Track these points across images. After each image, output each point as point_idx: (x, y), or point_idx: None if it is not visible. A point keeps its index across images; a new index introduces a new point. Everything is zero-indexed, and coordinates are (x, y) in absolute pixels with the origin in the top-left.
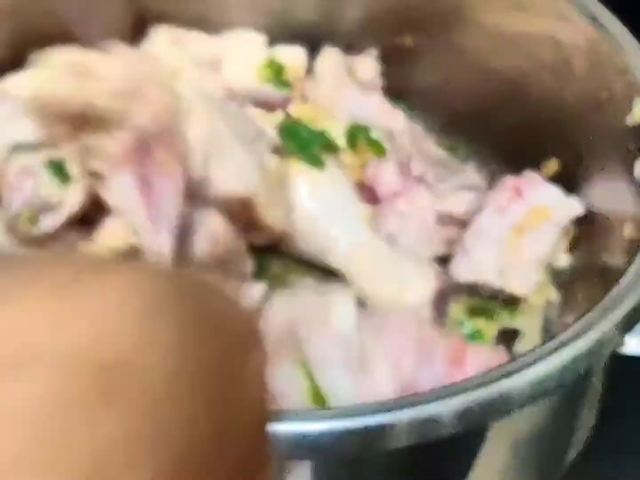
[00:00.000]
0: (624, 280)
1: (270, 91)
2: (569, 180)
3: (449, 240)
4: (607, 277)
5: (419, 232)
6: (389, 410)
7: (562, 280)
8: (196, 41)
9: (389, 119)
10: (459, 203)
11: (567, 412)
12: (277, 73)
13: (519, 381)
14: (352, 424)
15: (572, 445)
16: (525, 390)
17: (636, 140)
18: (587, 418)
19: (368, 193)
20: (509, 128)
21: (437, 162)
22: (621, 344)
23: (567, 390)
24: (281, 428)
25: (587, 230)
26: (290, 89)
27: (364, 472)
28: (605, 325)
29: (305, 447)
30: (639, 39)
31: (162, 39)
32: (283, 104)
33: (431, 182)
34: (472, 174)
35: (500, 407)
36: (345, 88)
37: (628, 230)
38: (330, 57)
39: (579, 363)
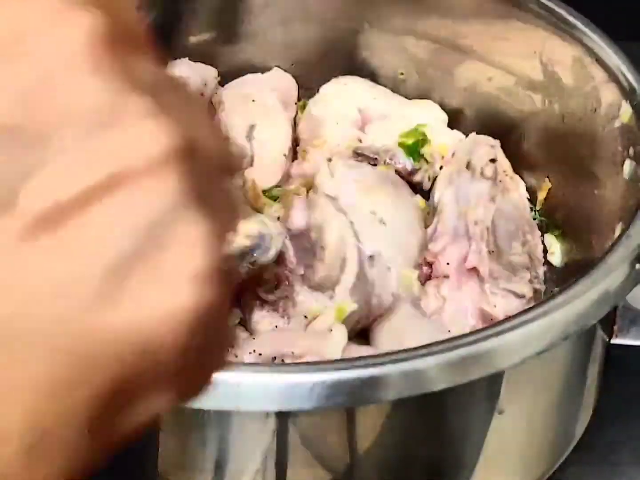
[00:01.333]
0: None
1: (400, 156)
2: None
3: None
4: None
5: (451, 321)
6: (380, 364)
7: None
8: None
9: (483, 209)
10: (502, 307)
11: (571, 376)
12: (417, 144)
13: (504, 340)
14: (345, 375)
15: (579, 414)
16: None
17: (624, 141)
18: (591, 389)
19: (426, 268)
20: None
21: (505, 262)
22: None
23: (568, 353)
24: (277, 379)
25: (578, 230)
26: (423, 162)
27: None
28: (591, 295)
29: (301, 397)
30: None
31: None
32: (408, 173)
33: (485, 277)
34: (524, 284)
35: (486, 364)
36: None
37: (618, 231)
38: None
39: (564, 326)
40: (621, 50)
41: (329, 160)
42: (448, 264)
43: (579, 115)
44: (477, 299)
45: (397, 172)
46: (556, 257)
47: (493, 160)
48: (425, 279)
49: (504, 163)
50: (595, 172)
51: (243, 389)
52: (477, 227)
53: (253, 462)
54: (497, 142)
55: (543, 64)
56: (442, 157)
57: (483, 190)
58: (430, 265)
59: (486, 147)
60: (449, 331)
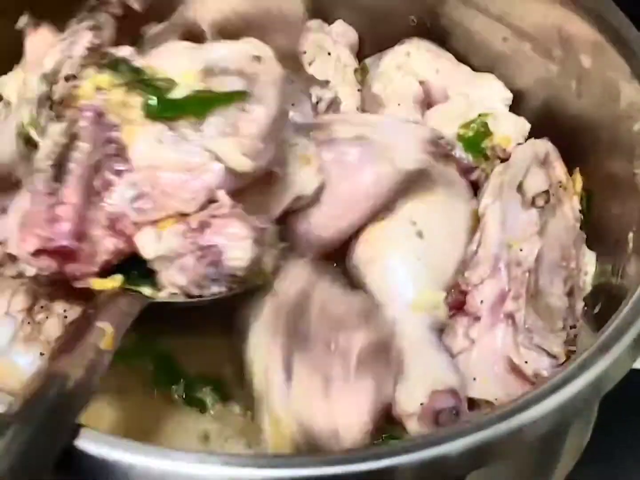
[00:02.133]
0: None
1: (458, 149)
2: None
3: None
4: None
5: (477, 367)
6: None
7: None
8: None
9: (528, 246)
10: (533, 364)
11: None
12: (478, 137)
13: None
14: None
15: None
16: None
17: None
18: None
19: (457, 295)
20: None
21: (544, 308)
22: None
23: None
24: (286, 473)
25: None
26: (480, 160)
27: None
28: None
29: None
30: None
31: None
32: (464, 171)
33: (519, 327)
34: (559, 345)
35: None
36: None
37: (631, 244)
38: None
39: (581, 399)
40: None
41: None
42: (482, 301)
43: (595, 98)
44: (508, 348)
45: None
46: (588, 277)
47: (547, 192)
48: (453, 306)
49: (559, 172)
50: (608, 172)
51: None
52: (519, 270)
53: None
54: (559, 163)
55: (561, 37)
56: (504, 150)
57: (531, 221)
58: (462, 293)
59: (541, 173)
60: (475, 379)
